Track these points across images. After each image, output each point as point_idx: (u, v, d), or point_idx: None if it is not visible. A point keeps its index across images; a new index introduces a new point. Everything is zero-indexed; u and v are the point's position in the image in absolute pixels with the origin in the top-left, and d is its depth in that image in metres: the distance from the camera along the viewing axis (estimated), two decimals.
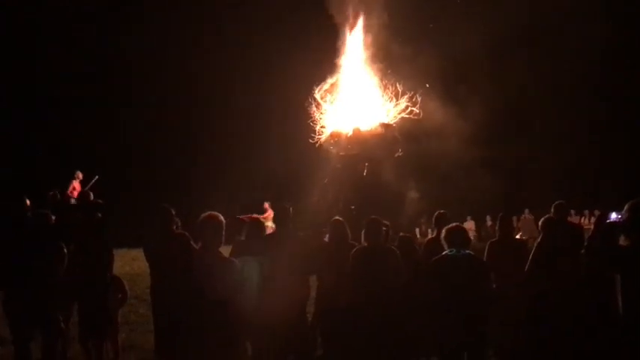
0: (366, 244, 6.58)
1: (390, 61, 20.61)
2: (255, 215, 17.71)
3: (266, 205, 19.86)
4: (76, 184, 15.24)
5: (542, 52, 22.68)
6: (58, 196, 8.51)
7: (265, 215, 18.99)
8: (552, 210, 7.92)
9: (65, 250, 6.26)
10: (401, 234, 7.43)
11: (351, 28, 21.79)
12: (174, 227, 6.86)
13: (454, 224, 6.24)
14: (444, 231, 6.11)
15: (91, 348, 7.03)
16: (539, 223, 7.01)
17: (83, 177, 15.76)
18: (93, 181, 15.59)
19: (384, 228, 6.87)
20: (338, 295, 6.49)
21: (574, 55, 22.47)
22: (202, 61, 26.41)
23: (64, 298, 7.05)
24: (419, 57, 18.32)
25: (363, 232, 6.67)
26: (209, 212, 5.09)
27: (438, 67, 18.55)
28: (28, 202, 6.55)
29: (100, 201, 7.81)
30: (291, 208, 6.73)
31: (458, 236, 5.96)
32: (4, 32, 24.64)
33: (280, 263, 6.19)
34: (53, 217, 7.38)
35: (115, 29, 26.70)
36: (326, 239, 7.18)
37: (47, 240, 6.24)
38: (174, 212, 6.77)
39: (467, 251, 5.90)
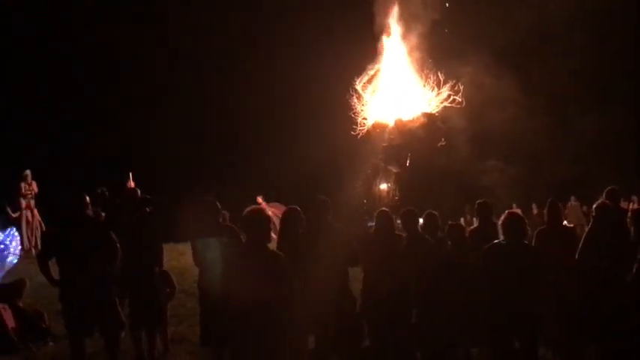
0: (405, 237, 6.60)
1: (433, 49, 20.44)
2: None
3: (259, 199, 19.35)
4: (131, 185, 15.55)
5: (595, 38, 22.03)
6: (107, 193, 8.68)
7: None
8: (604, 196, 7.74)
9: (118, 246, 6.39)
10: (450, 222, 7.37)
11: (391, 17, 21.69)
12: (222, 220, 6.95)
13: (513, 211, 6.16)
14: (502, 217, 6.05)
15: (142, 341, 7.16)
16: (593, 208, 6.83)
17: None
18: (130, 177, 15.90)
19: (433, 218, 6.89)
20: (382, 285, 6.49)
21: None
22: (243, 53, 26.55)
23: (117, 291, 7.25)
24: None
25: (399, 222, 6.68)
26: (253, 206, 5.12)
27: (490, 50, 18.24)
28: (87, 199, 6.71)
29: (148, 196, 7.95)
30: (329, 200, 6.71)
31: (516, 225, 5.89)
32: (51, 34, 25.20)
33: (320, 256, 6.21)
34: (103, 214, 7.58)
35: (157, 20, 26.98)
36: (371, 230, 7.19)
37: (101, 236, 6.37)
38: (220, 206, 6.87)
39: (524, 242, 5.85)
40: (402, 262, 6.42)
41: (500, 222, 6.12)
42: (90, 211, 6.89)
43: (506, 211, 6.20)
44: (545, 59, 20.91)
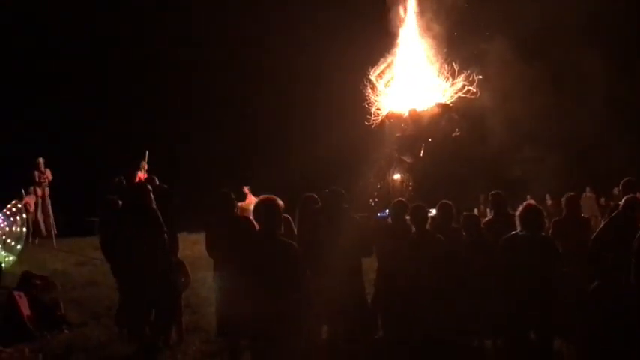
0: (412, 232, 6.57)
1: (446, 40, 20.30)
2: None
3: (245, 189, 19.08)
4: (141, 175, 15.60)
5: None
6: (124, 182, 8.70)
7: (247, 201, 18.29)
8: (621, 187, 7.65)
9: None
10: (465, 213, 7.34)
11: (405, 7, 21.56)
12: (236, 211, 6.97)
13: (530, 203, 6.13)
14: (519, 209, 6.04)
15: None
16: (622, 201, 6.73)
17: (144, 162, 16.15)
18: (146, 156, 15.96)
19: (448, 209, 6.91)
20: (397, 276, 6.48)
21: None
22: (259, 47, 26.56)
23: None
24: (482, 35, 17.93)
25: (408, 218, 6.65)
26: (266, 196, 5.10)
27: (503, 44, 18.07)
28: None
29: (165, 186, 7.97)
30: (343, 191, 6.69)
31: (533, 217, 5.87)
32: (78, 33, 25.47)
33: (336, 246, 6.19)
34: (120, 203, 7.60)
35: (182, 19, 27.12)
36: (388, 220, 7.17)
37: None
38: (234, 197, 6.90)
39: (541, 234, 5.81)
40: (417, 253, 6.40)
41: (517, 214, 6.09)
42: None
43: (524, 203, 6.18)
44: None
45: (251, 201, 18.31)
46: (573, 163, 21.25)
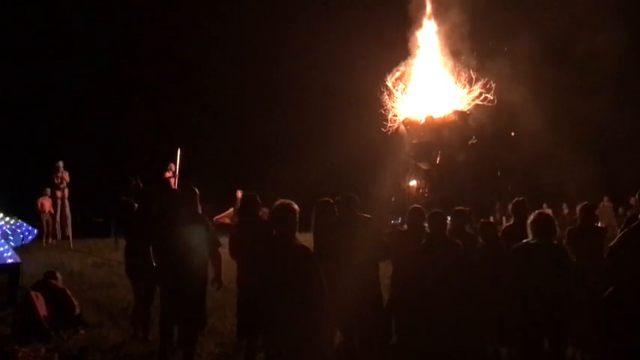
0: (428, 238, 6.54)
1: (465, 48, 20.24)
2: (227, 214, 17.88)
3: (239, 193, 18.48)
4: (168, 176, 15.62)
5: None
6: (140, 184, 8.77)
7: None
8: (637, 197, 7.59)
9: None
10: (482, 220, 7.33)
11: (423, 14, 21.54)
12: (261, 214, 7.00)
13: (542, 211, 6.11)
14: (531, 217, 6.01)
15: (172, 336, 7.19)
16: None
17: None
18: (178, 155, 15.90)
19: (463, 214, 6.97)
20: (412, 282, 6.46)
21: None
22: (277, 52, 26.68)
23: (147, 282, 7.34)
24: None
25: (426, 224, 6.63)
26: (282, 200, 5.14)
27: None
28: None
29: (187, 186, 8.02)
30: (357, 197, 6.70)
31: (546, 225, 5.85)
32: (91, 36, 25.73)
33: (352, 250, 6.21)
34: (136, 205, 7.66)
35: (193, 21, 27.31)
36: (403, 227, 7.16)
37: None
38: (260, 200, 6.96)
39: (554, 242, 5.79)
40: (433, 259, 6.38)
41: (529, 222, 6.06)
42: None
43: (536, 211, 6.14)
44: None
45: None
46: (593, 171, 21.06)
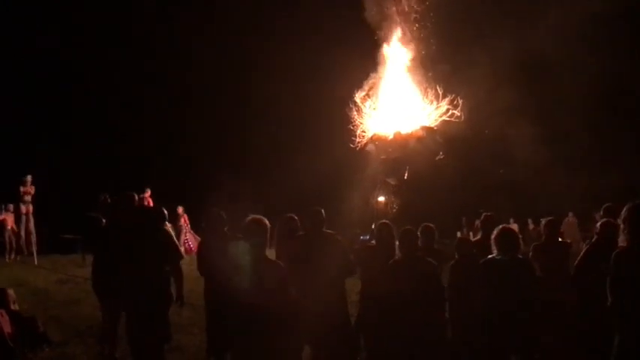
0: (400, 256, 6.49)
1: (432, 64, 20.43)
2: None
3: (179, 209, 19.10)
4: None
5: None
6: (109, 199, 8.67)
7: (182, 222, 18.65)
8: (602, 212, 7.75)
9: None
10: (459, 235, 7.42)
11: (391, 31, 21.73)
12: (226, 230, 7.01)
13: (506, 226, 6.20)
14: (495, 232, 6.08)
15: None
16: (598, 225, 6.81)
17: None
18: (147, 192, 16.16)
19: (431, 230, 7.02)
20: (381, 298, 6.47)
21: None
22: (243, 67, 26.68)
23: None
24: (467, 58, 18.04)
25: (397, 243, 6.64)
26: (253, 216, 5.15)
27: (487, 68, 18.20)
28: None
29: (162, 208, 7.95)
30: (323, 211, 6.70)
31: (509, 240, 5.93)
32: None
33: (317, 267, 6.21)
34: (104, 220, 7.58)
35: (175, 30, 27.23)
36: (371, 242, 7.18)
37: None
38: (224, 216, 6.97)
39: (519, 256, 5.87)
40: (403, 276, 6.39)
41: (493, 237, 6.13)
42: None
43: (500, 226, 6.22)
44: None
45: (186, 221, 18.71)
46: (560, 186, 21.39)
